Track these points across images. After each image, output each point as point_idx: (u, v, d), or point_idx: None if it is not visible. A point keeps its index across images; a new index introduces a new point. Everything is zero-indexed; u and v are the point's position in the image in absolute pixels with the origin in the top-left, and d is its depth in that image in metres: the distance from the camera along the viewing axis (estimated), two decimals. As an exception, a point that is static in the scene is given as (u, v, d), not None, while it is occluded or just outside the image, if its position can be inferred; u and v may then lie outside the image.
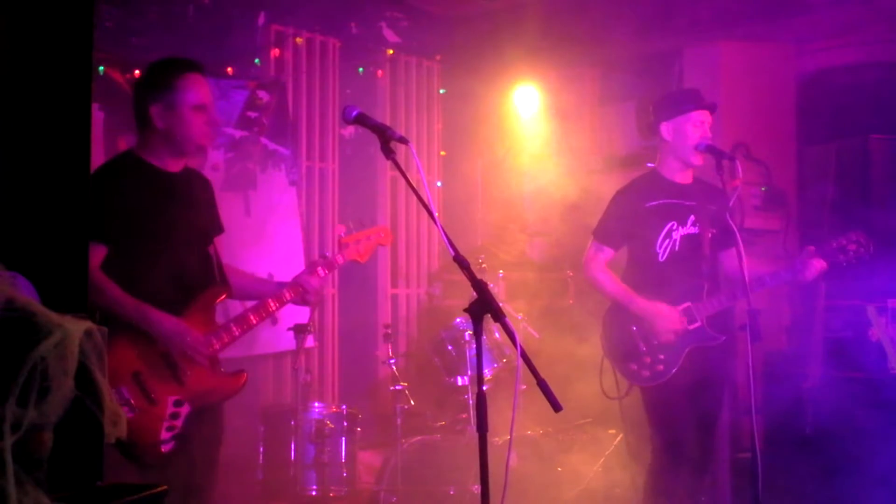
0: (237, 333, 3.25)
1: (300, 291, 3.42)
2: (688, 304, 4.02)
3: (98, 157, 5.70)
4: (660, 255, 4.08)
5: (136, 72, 5.80)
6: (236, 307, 3.65)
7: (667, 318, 3.99)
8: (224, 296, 3.32)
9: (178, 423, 3.07)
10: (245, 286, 3.52)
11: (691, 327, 4.01)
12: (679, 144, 4.09)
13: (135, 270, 3.13)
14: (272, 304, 3.35)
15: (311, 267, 3.53)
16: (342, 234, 3.63)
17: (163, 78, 3.20)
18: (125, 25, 5.44)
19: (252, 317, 3.30)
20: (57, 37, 3.04)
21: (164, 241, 3.19)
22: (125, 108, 5.80)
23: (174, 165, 3.27)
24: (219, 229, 3.48)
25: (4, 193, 2.92)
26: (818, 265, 3.97)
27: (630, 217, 4.13)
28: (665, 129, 4.12)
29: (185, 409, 3.09)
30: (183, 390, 3.09)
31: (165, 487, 2.78)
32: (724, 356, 4.14)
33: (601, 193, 4.57)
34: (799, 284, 4.04)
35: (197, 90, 3.21)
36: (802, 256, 4.01)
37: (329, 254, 3.68)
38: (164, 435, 3.03)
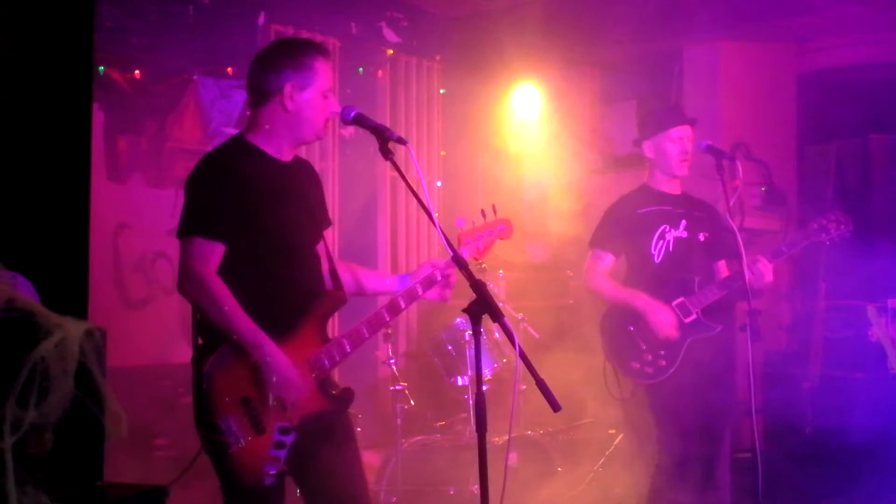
0: (349, 350, 3.01)
1: (414, 299, 3.17)
2: (681, 298, 4.08)
3: (98, 157, 5.73)
4: (655, 257, 4.14)
5: (136, 72, 5.80)
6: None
7: (660, 313, 4.04)
8: (340, 307, 3.09)
9: (282, 453, 2.86)
10: (356, 281, 3.27)
11: (687, 320, 4.06)
12: (661, 161, 4.19)
13: (246, 275, 2.87)
14: (387, 316, 3.11)
15: (426, 276, 3.17)
16: (462, 230, 3.24)
17: (302, 57, 2.98)
18: (125, 25, 5.44)
19: (365, 330, 3.06)
20: (58, 37, 3.05)
21: (277, 241, 2.93)
22: (125, 108, 5.87)
23: (287, 154, 3.01)
24: (327, 223, 3.22)
25: (5, 193, 2.93)
26: (765, 268, 3.99)
27: (624, 222, 4.21)
28: (647, 147, 4.24)
29: (290, 438, 2.87)
30: (289, 416, 2.88)
31: (165, 487, 2.80)
32: (723, 348, 4.17)
33: (601, 193, 4.59)
34: (758, 291, 4.04)
35: (329, 75, 3.01)
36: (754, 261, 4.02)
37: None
38: (267, 467, 2.84)
